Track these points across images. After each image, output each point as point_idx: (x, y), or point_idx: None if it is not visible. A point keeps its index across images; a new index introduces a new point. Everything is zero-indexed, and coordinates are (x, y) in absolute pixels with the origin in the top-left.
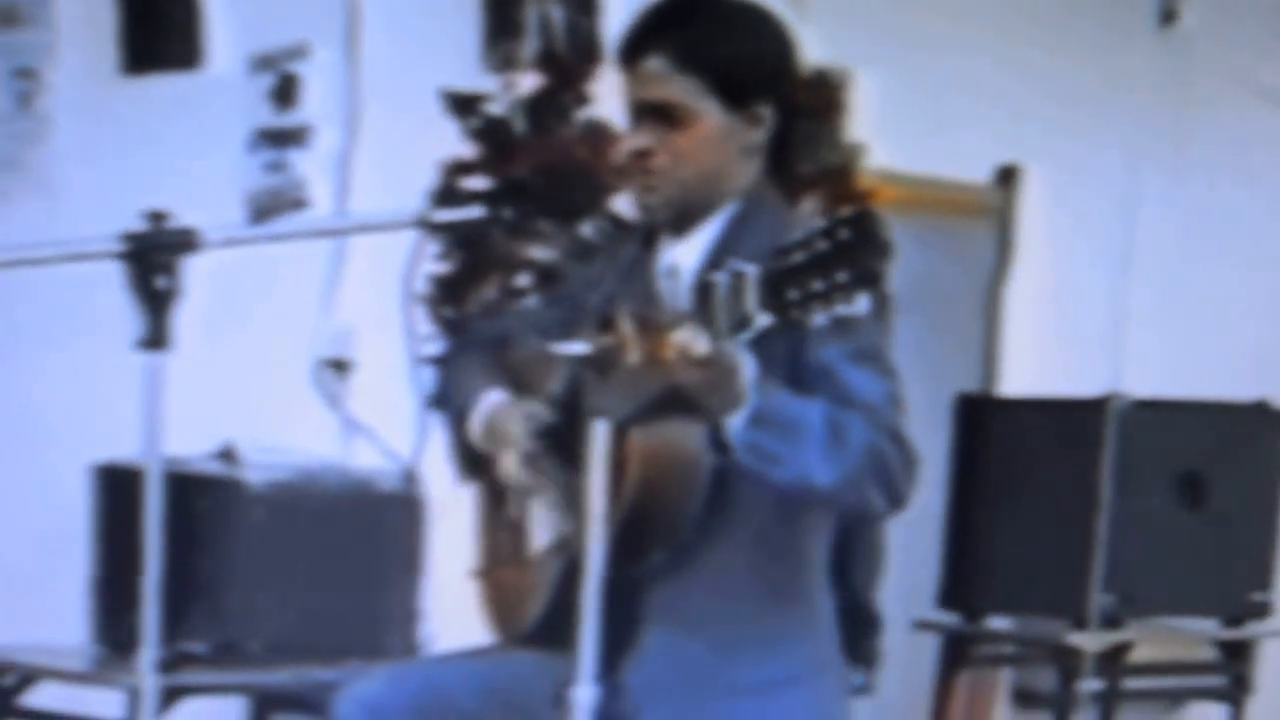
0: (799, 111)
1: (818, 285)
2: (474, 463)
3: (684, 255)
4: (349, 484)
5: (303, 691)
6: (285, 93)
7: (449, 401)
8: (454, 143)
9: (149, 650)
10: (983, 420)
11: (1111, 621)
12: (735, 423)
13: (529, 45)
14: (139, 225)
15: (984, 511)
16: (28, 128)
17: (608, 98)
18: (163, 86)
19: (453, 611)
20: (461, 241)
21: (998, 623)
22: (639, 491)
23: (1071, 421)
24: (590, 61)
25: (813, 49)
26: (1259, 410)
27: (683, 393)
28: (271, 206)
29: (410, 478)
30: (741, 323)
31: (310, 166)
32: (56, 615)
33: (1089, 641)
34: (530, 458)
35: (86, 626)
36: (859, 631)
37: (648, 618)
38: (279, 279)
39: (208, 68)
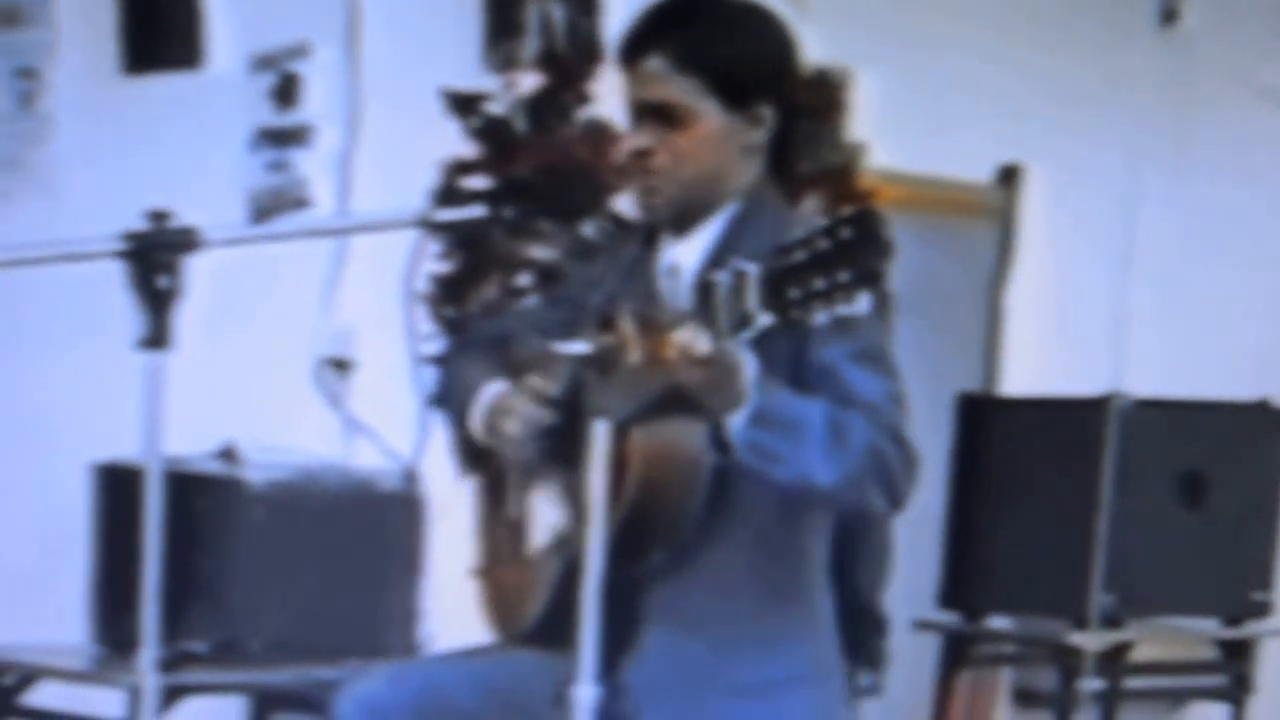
0: (799, 111)
1: (819, 284)
2: (475, 457)
3: (685, 255)
4: (349, 483)
5: (303, 691)
6: (286, 92)
7: (450, 398)
8: (455, 142)
9: (149, 649)
10: (983, 420)
11: (1112, 621)
12: (736, 422)
13: (530, 45)
14: (140, 225)
15: (985, 511)
16: (29, 127)
17: (608, 97)
18: (164, 86)
19: (453, 611)
20: (462, 241)
21: (998, 622)
22: (640, 491)
23: (1072, 421)
24: (591, 61)
25: (813, 49)
26: (1260, 410)
27: (684, 392)
28: (272, 206)
29: (411, 477)
30: (743, 322)
31: (311, 166)
32: (57, 614)
33: (1090, 641)
34: (534, 433)
35: (87, 626)
36: (866, 633)
37: (648, 617)
38: (280, 278)
39: (209, 67)
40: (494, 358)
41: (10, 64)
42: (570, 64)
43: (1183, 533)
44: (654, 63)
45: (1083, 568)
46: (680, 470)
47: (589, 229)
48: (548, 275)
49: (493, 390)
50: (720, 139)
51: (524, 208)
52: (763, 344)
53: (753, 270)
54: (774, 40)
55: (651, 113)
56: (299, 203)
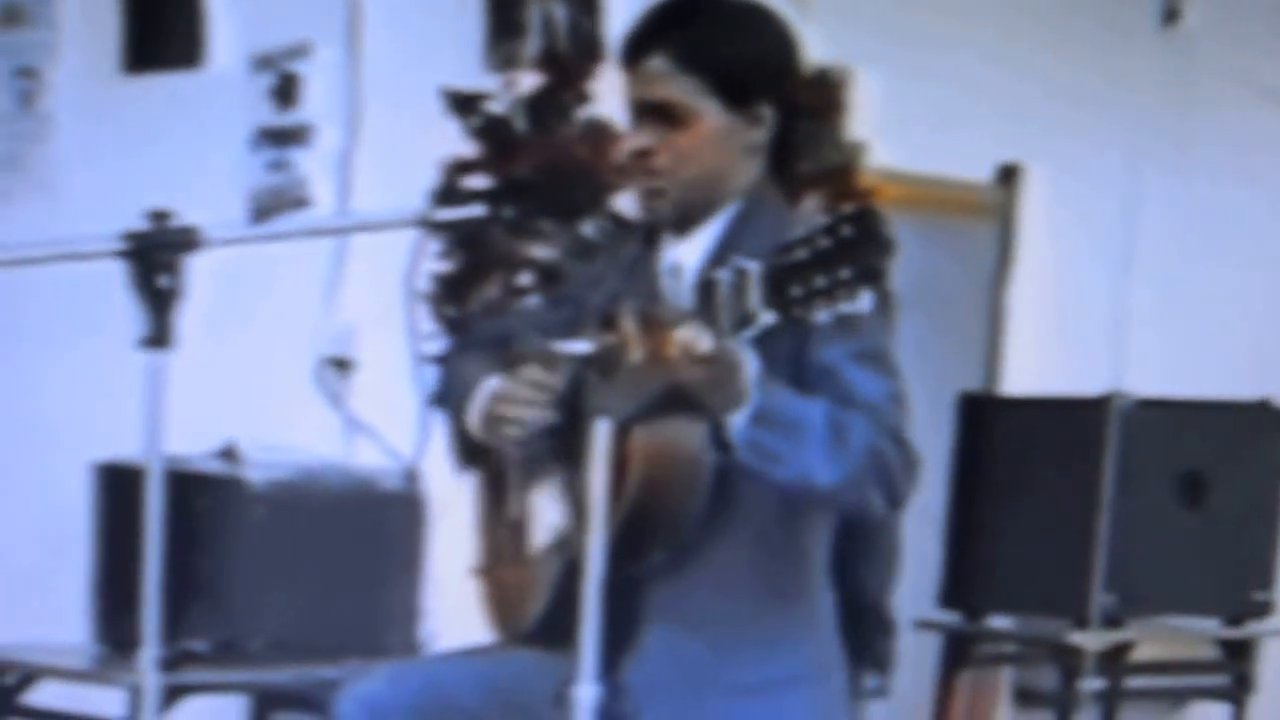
0: (800, 111)
1: (821, 282)
2: (473, 453)
3: (687, 254)
4: (350, 483)
5: (304, 690)
6: (286, 92)
7: (449, 396)
8: (455, 142)
9: (150, 649)
10: (984, 419)
11: (1113, 621)
12: (737, 421)
13: (530, 44)
14: (141, 224)
15: (986, 510)
16: (29, 127)
17: (608, 97)
18: (164, 86)
19: (454, 610)
20: (463, 240)
21: (999, 622)
22: (641, 491)
23: (1073, 421)
24: (591, 60)
25: (814, 48)
26: (1261, 409)
27: (685, 391)
28: (273, 205)
29: (411, 476)
30: (745, 320)
31: (312, 165)
32: (58, 614)
33: (1090, 641)
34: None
35: (88, 625)
36: (873, 635)
37: (649, 617)
38: (281, 278)
39: (209, 67)
40: (495, 357)
41: (11, 63)
42: (570, 63)
43: (1183, 532)
44: (656, 62)
45: (1083, 567)
46: (682, 470)
47: (589, 228)
48: (548, 275)
49: (490, 384)
50: (721, 138)
51: (524, 207)
52: (764, 344)
53: (754, 268)
54: (775, 40)
55: (653, 112)
56: (299, 202)
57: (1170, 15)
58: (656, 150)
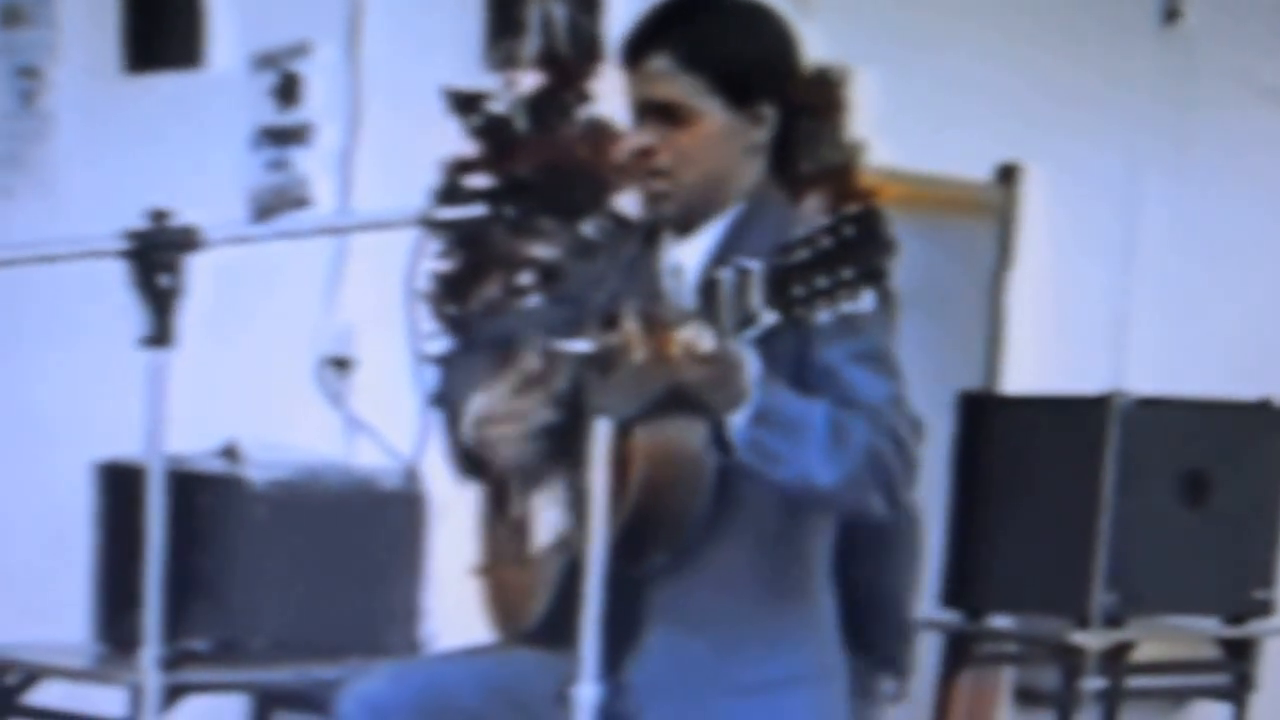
0: (801, 110)
1: (822, 282)
2: (469, 461)
3: (688, 255)
4: (351, 482)
5: (305, 689)
6: (287, 91)
7: (445, 403)
8: (456, 141)
9: (151, 648)
10: (985, 418)
11: (1114, 620)
12: (738, 420)
13: (531, 43)
14: (141, 223)
15: (986, 509)
16: (30, 126)
17: (609, 96)
18: (165, 85)
19: (455, 610)
20: (463, 239)
21: (1000, 621)
22: (643, 491)
23: (1074, 419)
24: (592, 60)
25: (814, 47)
26: (1261, 409)
27: (686, 390)
28: (273, 204)
29: (412, 476)
30: (747, 320)
31: (312, 164)
32: (59, 613)
33: (1091, 640)
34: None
35: (89, 624)
36: (889, 639)
37: (650, 617)
38: (281, 277)
39: (210, 66)
40: (495, 359)
41: (11, 63)
42: (571, 63)
43: (1184, 532)
44: (657, 62)
45: (1084, 566)
46: (683, 470)
47: (590, 228)
48: (549, 274)
49: (475, 406)
50: (723, 138)
51: (525, 206)
52: (765, 344)
53: (756, 268)
54: (776, 39)
55: (654, 112)
56: (300, 201)
57: (1170, 15)
58: (658, 150)
